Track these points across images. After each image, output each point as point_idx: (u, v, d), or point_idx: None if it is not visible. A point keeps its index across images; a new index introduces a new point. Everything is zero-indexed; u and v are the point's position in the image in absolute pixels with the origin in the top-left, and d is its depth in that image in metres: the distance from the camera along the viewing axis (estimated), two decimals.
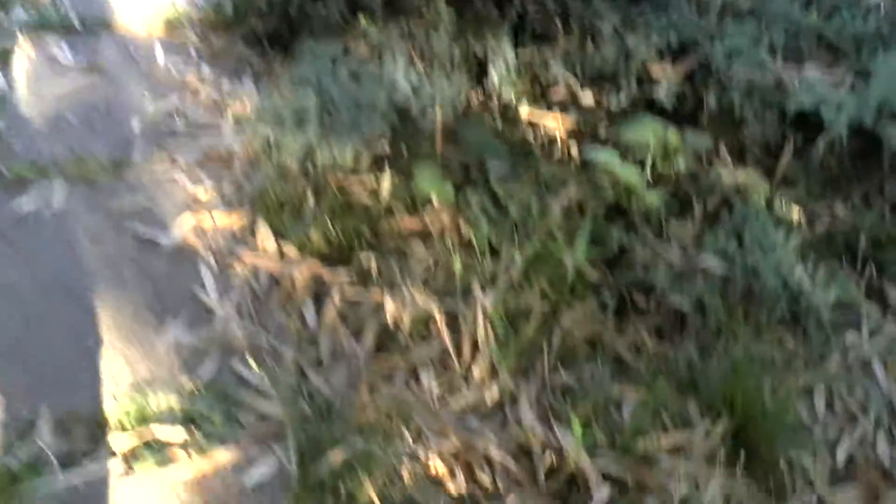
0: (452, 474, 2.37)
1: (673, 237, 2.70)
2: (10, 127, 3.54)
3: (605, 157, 2.79)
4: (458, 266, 2.58)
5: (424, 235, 2.95)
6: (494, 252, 2.80)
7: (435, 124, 3.01)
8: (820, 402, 2.47)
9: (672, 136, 2.86)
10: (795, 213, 2.79)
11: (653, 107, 3.06)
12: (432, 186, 2.89)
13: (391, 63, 3.17)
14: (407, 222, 2.97)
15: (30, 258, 2.94)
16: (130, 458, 2.38)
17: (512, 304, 2.61)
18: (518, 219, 2.78)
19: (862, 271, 2.76)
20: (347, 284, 2.80)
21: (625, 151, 2.88)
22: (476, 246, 2.77)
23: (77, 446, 2.39)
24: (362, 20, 3.54)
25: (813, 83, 2.87)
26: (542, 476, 2.29)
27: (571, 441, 2.29)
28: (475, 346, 2.57)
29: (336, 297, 2.76)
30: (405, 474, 2.35)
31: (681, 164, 2.80)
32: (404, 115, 2.95)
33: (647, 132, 2.86)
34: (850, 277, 2.71)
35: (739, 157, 3.00)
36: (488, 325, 2.56)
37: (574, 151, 3.12)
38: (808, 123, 2.91)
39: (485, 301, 2.60)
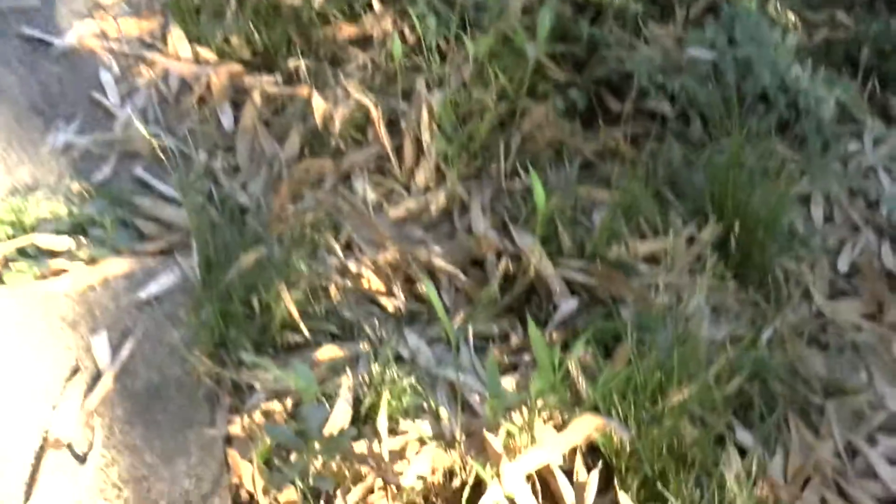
0: (389, 289, 2.00)
1: (652, 40, 2.32)
2: None
3: None
4: (397, 50, 2.15)
5: (363, 41, 2.54)
6: (443, 55, 2.40)
7: None
8: (818, 211, 2.14)
9: None
10: (791, 17, 2.43)
11: None
12: None
13: None
14: (344, 28, 2.55)
15: None
16: (2, 268, 1.96)
17: (463, 103, 2.23)
18: (471, 17, 2.38)
19: (864, 83, 2.42)
20: (271, 86, 2.38)
21: None
22: (423, 45, 2.36)
23: None
24: None
25: None
26: (495, 287, 1.92)
27: (532, 245, 1.92)
28: (419, 148, 2.19)
29: (257, 99, 2.35)
30: (332, 289, 1.97)
31: None
32: None
33: None
34: (853, 84, 2.37)
35: None
36: (434, 126, 2.17)
37: None
38: None
39: (431, 99, 2.21)
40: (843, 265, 2.03)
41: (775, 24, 2.33)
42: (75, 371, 1.83)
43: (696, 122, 2.16)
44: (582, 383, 1.67)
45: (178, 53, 2.56)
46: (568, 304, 1.85)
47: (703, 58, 2.16)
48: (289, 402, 1.78)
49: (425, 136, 2.16)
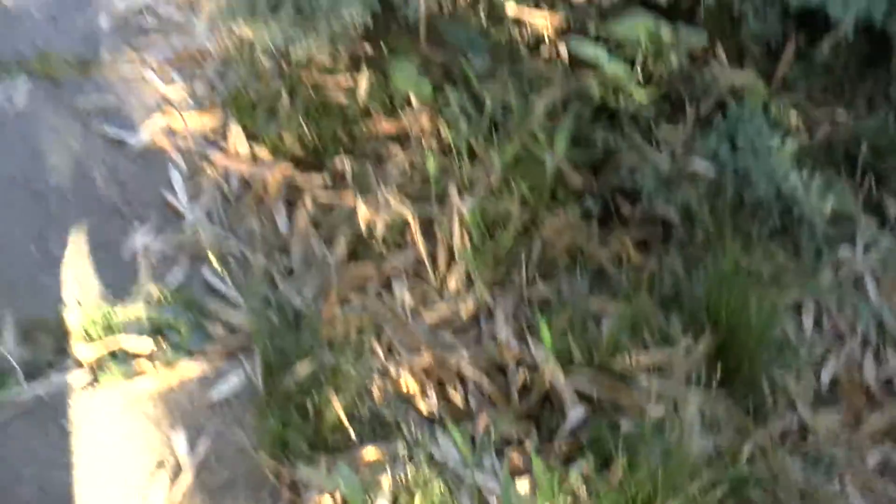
0: (424, 392, 2.30)
1: (662, 141, 2.55)
2: None
3: (592, 51, 2.61)
4: (432, 165, 2.43)
5: (402, 138, 2.81)
6: (473, 155, 2.66)
7: (417, 16, 2.82)
8: (808, 320, 2.36)
9: (665, 31, 2.68)
10: (794, 118, 2.63)
11: (647, 3, 2.85)
12: (410, 84, 2.74)
13: None
14: (384, 125, 2.83)
15: None
16: (96, 368, 2.31)
17: (490, 210, 2.49)
18: (499, 119, 2.63)
19: (861, 182, 2.61)
20: (320, 189, 2.68)
21: (614, 48, 2.70)
22: (454, 148, 2.62)
23: (42, 356, 2.32)
24: None
25: None
26: (514, 394, 2.21)
27: (546, 358, 2.20)
28: (451, 255, 2.46)
29: (308, 202, 2.65)
30: (375, 391, 2.28)
31: (673, 62, 2.62)
32: (385, 3, 2.75)
33: (639, 28, 2.67)
34: (848, 188, 2.56)
35: (737, 57, 2.81)
36: (465, 233, 2.45)
37: (562, 50, 2.94)
38: (812, 21, 2.71)
39: (462, 207, 2.48)
40: (825, 377, 2.25)
41: (777, 125, 2.53)
42: (160, 466, 2.16)
43: (698, 230, 2.39)
44: (583, 494, 1.96)
45: (238, 150, 2.86)
46: (576, 413, 2.13)
47: (705, 173, 2.38)
48: (339, 498, 2.10)
49: (457, 244, 2.44)
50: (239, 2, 2.83)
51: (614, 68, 2.55)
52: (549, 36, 2.98)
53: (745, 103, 2.57)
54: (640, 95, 2.52)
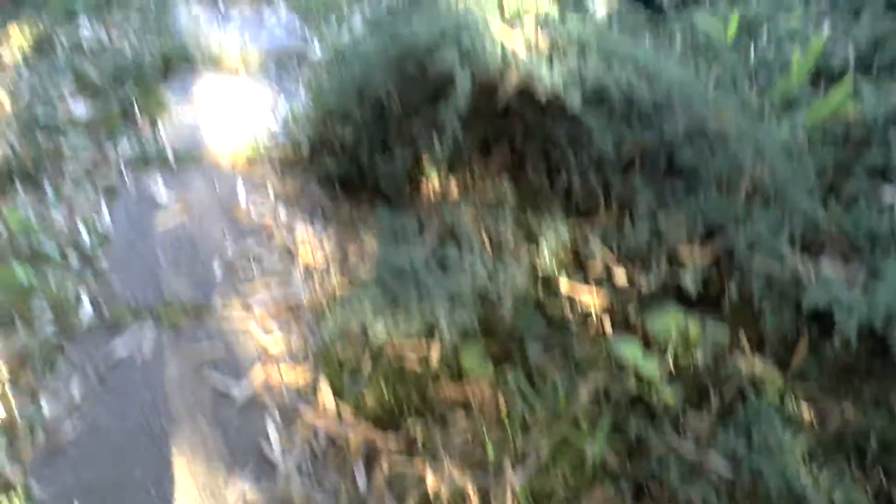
0: None
1: (689, 429, 2.96)
2: (112, 266, 4.01)
3: (629, 350, 3.07)
4: (490, 450, 2.89)
5: (466, 406, 3.28)
6: (526, 427, 3.11)
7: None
8: None
9: (693, 327, 3.13)
10: (806, 413, 3.02)
11: (680, 291, 3.33)
12: (475, 364, 3.22)
13: (468, 248, 3.49)
14: (452, 391, 3.30)
15: (122, 403, 3.37)
16: None
17: (538, 485, 2.92)
18: (549, 399, 3.08)
19: (870, 475, 2.95)
20: (395, 453, 3.14)
21: (649, 341, 3.16)
22: (509, 422, 3.08)
23: None
24: (429, 179, 3.94)
25: (828, 281, 3.09)
26: None
27: None
28: None
29: (385, 465, 3.11)
30: None
31: (699, 357, 3.07)
32: (483, 301, 3.27)
33: (671, 323, 3.13)
34: (857, 481, 2.90)
35: (759, 346, 3.24)
36: None
37: (607, 327, 3.41)
38: (824, 317, 3.13)
39: (514, 482, 2.91)
40: None
41: (791, 420, 2.93)
42: None
43: None
44: None
45: (325, 407, 3.36)
46: None
47: (723, 471, 2.79)
48: None
49: None
50: (361, 309, 3.36)
51: (649, 369, 3.00)
52: (595, 313, 3.46)
53: (763, 396, 2.98)
54: (669, 397, 2.96)
